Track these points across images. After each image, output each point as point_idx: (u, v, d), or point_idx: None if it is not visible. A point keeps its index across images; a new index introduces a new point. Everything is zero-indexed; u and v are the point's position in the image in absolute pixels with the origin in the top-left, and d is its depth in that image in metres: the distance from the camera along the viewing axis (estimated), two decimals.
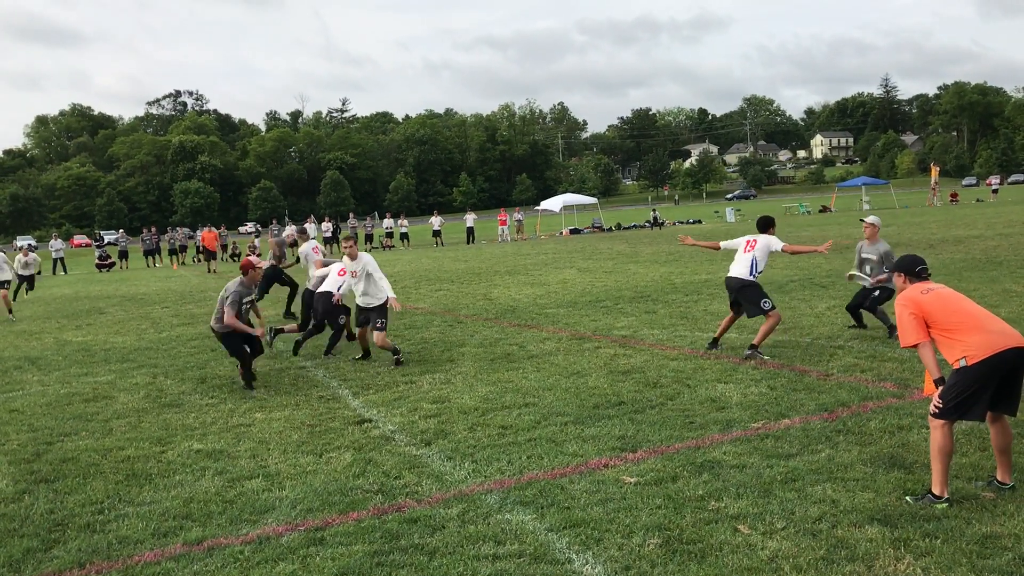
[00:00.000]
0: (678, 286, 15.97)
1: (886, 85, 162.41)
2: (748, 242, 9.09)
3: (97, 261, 38.40)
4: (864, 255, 10.14)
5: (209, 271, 31.79)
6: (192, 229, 69.97)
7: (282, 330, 11.28)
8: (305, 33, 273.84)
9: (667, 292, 15.10)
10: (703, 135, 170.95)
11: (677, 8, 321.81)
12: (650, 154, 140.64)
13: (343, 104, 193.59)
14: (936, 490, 4.67)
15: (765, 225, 9.15)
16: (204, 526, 5.06)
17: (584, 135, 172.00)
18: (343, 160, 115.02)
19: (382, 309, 9.73)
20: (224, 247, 41.02)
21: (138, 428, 7.58)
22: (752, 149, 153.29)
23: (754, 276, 8.94)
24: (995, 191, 62.69)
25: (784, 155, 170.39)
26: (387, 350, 9.81)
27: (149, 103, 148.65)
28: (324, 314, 10.56)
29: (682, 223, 50.29)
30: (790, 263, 17.89)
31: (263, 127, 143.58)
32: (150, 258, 39.16)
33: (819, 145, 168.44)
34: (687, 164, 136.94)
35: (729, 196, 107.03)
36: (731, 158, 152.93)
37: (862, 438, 5.91)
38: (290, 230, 43.73)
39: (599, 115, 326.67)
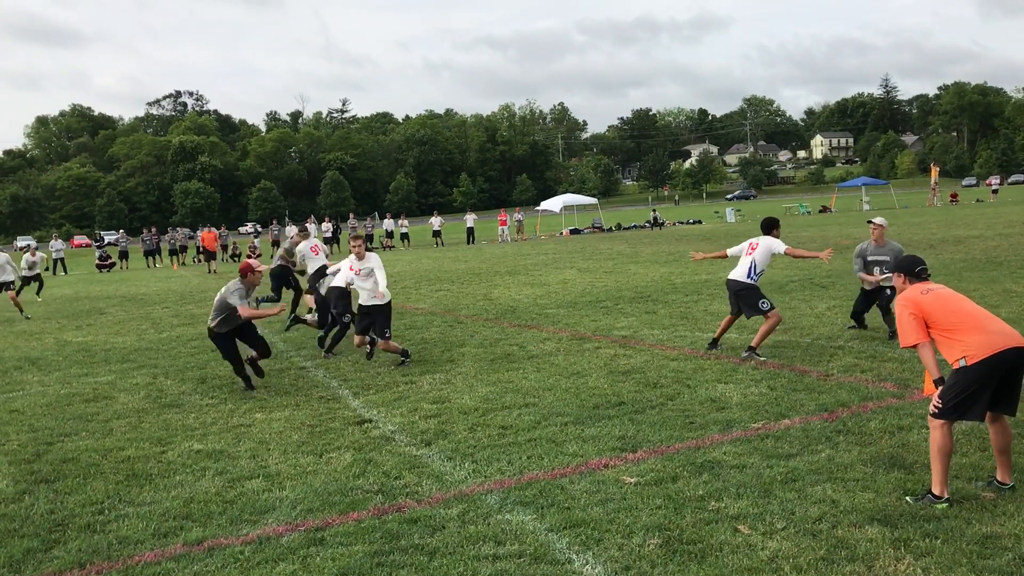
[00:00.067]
0: (678, 286, 15.97)
1: (886, 85, 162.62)
2: (751, 245, 9.10)
3: (97, 261, 38.43)
4: (872, 257, 9.84)
5: (209, 271, 31.80)
6: (192, 229, 70.00)
7: (304, 320, 11.54)
8: (305, 33, 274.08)
9: (667, 292, 15.10)
10: (703, 135, 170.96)
11: (677, 8, 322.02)
12: (650, 154, 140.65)
13: (343, 104, 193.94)
14: (936, 490, 4.67)
15: (769, 227, 9.13)
16: (204, 526, 5.06)
17: (584, 135, 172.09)
18: (343, 160, 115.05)
19: (386, 312, 9.69)
20: (224, 247, 41.04)
21: (138, 428, 7.58)
22: (752, 149, 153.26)
23: (752, 279, 8.95)
24: (995, 191, 62.72)
25: (784, 155, 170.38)
26: (395, 353, 9.83)
27: (149, 103, 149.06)
28: (342, 308, 10.67)
29: (682, 223, 50.30)
30: (790, 263, 17.89)
31: (263, 127, 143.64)
32: (150, 258, 39.18)
33: (819, 145, 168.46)
34: (687, 164, 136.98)
35: (729, 196, 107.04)
36: (731, 158, 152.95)
37: (862, 438, 5.91)
38: (292, 231, 43.80)
39: (599, 115, 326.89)
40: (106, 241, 46.51)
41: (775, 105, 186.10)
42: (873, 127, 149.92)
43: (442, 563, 4.33)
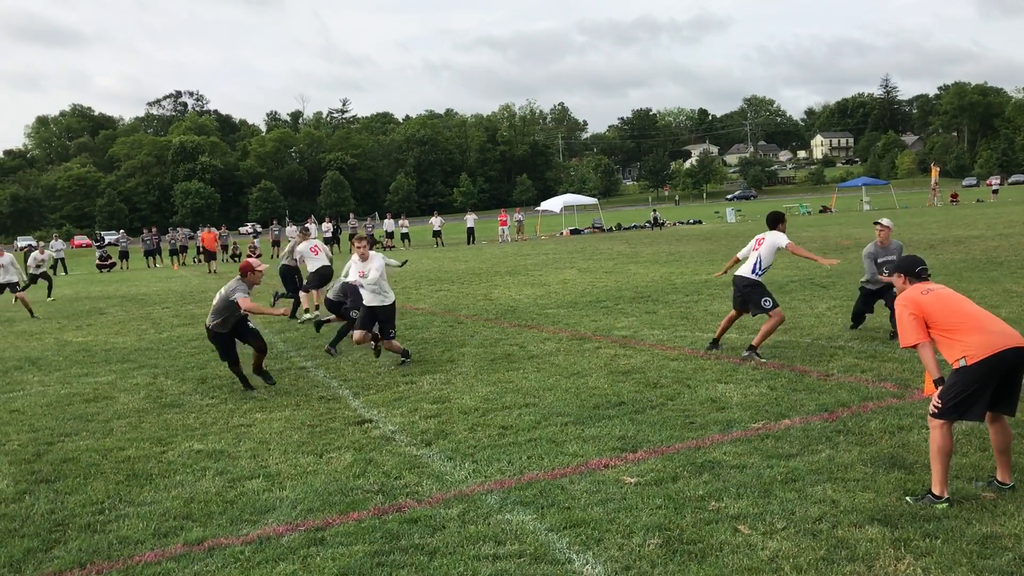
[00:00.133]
0: (678, 286, 15.98)
1: (886, 85, 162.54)
2: (757, 240, 9.11)
3: (98, 261, 38.45)
4: (882, 259, 9.66)
5: (210, 272, 31.80)
6: (192, 229, 70.04)
7: (328, 321, 11.63)
8: (305, 33, 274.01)
9: (667, 292, 15.11)
10: (703, 135, 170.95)
11: (677, 8, 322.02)
12: (650, 154, 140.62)
13: (343, 104, 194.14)
14: (936, 490, 4.67)
15: (774, 221, 9.14)
16: (204, 526, 5.06)
17: (584, 135, 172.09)
18: (343, 160, 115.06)
19: (390, 312, 9.68)
20: (224, 247, 41.05)
21: (139, 428, 7.58)
22: (752, 149, 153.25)
23: (757, 275, 8.94)
24: (995, 191, 62.69)
25: (784, 155, 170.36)
26: (396, 352, 9.84)
27: (149, 104, 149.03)
28: (352, 303, 10.70)
29: (682, 223, 50.29)
30: (791, 263, 17.89)
31: (263, 127, 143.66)
32: (151, 258, 39.19)
33: (819, 145, 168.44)
34: (687, 164, 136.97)
35: (729, 196, 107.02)
36: (731, 158, 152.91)
37: (862, 438, 5.91)
38: (292, 231, 43.75)
39: (599, 115, 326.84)
40: (106, 241, 46.55)
41: (775, 105, 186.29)
42: (873, 127, 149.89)
43: (442, 563, 4.33)
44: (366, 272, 9.59)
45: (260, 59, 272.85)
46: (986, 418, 4.76)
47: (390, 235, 43.46)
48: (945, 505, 4.61)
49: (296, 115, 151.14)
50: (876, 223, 10.05)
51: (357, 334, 9.74)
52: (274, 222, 52.89)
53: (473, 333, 11.80)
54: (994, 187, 67.00)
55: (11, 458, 6.81)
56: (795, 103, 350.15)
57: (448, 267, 25.44)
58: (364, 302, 9.76)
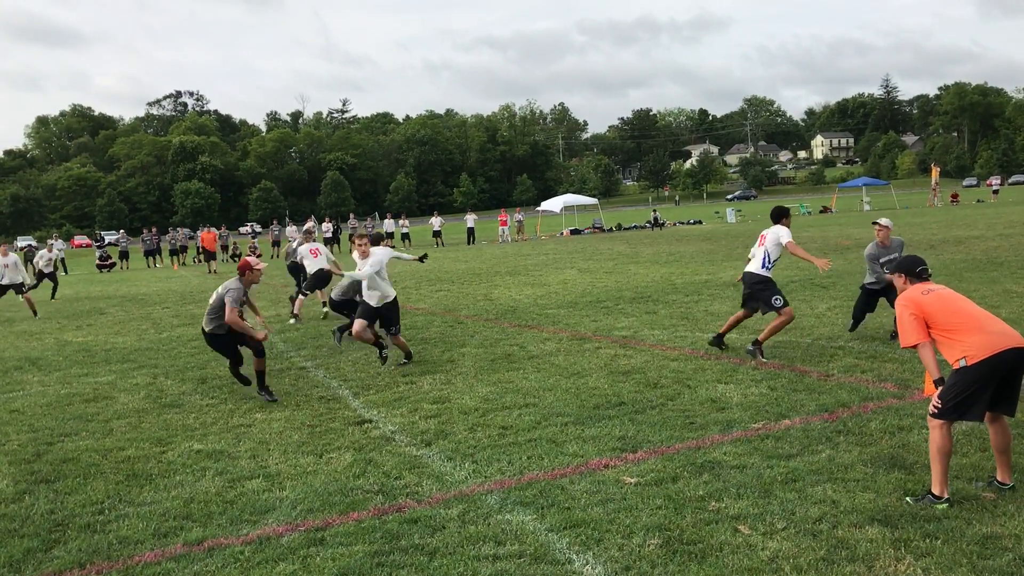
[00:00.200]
0: (679, 287, 15.98)
1: (886, 86, 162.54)
2: (762, 236, 9.11)
3: (98, 261, 38.45)
4: (884, 259, 9.62)
5: (209, 272, 31.81)
6: (193, 229, 70.05)
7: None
8: (305, 33, 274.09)
9: (668, 293, 15.10)
10: (703, 136, 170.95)
11: (677, 8, 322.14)
12: (650, 155, 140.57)
13: (343, 104, 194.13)
14: (936, 490, 4.67)
15: (778, 216, 9.12)
16: (204, 526, 5.06)
17: (584, 136, 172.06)
18: (343, 161, 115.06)
19: (394, 309, 9.66)
20: (224, 248, 41.06)
21: (138, 428, 7.58)
22: (752, 150, 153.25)
23: (767, 269, 8.90)
24: (996, 192, 62.70)
25: (785, 156, 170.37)
26: (401, 350, 9.85)
27: (149, 104, 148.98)
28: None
29: (682, 223, 50.29)
30: (791, 263, 17.88)
31: (263, 127, 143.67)
32: (151, 258, 39.19)
33: (820, 146, 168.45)
34: (688, 165, 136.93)
35: (730, 197, 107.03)
36: (732, 159, 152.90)
37: (862, 439, 5.91)
38: (292, 231, 43.77)
39: (599, 115, 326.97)
40: (106, 241, 46.59)
41: (775, 105, 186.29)
42: (873, 127, 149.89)
43: (442, 563, 4.33)
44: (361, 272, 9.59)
45: (260, 59, 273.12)
46: (986, 418, 4.76)
47: (390, 235, 43.44)
48: (945, 505, 4.60)
49: (296, 115, 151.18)
50: (875, 223, 10.01)
51: (356, 325, 9.58)
52: (274, 222, 52.90)
53: (473, 333, 11.80)
54: (994, 187, 67.00)
55: (11, 458, 6.81)
56: (795, 103, 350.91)
57: (448, 267, 25.44)
58: (364, 299, 9.74)
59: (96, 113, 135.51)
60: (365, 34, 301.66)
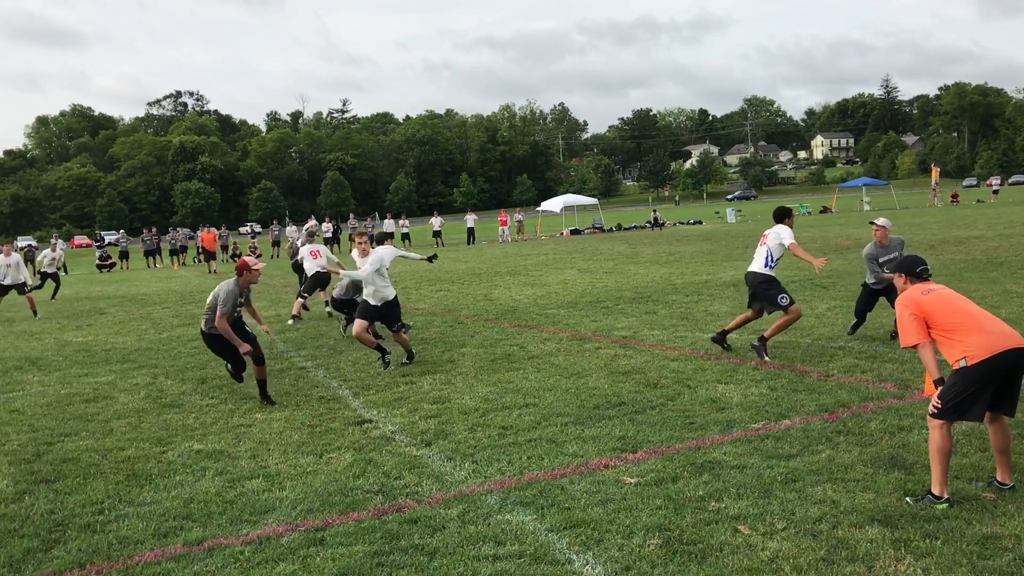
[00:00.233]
0: (678, 287, 15.98)
1: (886, 86, 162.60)
2: (764, 236, 9.09)
3: (98, 261, 38.46)
4: (883, 259, 9.49)
5: (210, 272, 31.81)
6: (193, 230, 70.05)
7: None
8: (305, 34, 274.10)
9: (667, 293, 15.10)
10: (703, 136, 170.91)
11: (677, 8, 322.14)
12: (650, 155, 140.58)
13: (343, 105, 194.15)
14: (936, 490, 4.67)
15: (780, 216, 9.10)
16: (204, 526, 5.06)
17: (584, 136, 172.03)
18: (344, 161, 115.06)
19: (394, 307, 9.61)
20: (225, 248, 41.07)
21: (138, 428, 7.58)
22: (753, 150, 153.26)
23: (769, 268, 8.88)
24: (996, 192, 62.70)
25: (785, 156, 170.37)
26: (404, 348, 9.80)
27: (149, 104, 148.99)
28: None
29: (682, 224, 50.29)
30: (792, 263, 17.88)
31: (264, 128, 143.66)
32: (151, 258, 39.21)
33: (820, 146, 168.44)
34: (688, 165, 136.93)
35: (730, 197, 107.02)
36: (732, 159, 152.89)
37: (862, 439, 5.91)
38: (292, 231, 43.77)
39: (599, 116, 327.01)
40: (106, 241, 46.59)
41: (775, 105, 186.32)
42: (874, 127, 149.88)
43: (442, 563, 4.33)
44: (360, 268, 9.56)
45: (260, 59, 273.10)
46: (985, 418, 4.76)
47: (390, 235, 43.30)
48: (945, 505, 4.60)
49: (296, 115, 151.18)
50: (872, 223, 9.91)
51: (356, 326, 9.48)
52: (274, 222, 52.90)
53: (473, 333, 11.80)
54: (994, 187, 67.00)
55: (11, 458, 6.81)
56: (795, 103, 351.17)
57: (448, 267, 25.44)
58: (365, 298, 9.66)
59: (96, 113, 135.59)
60: (365, 34, 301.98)
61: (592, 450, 6.05)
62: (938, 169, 61.30)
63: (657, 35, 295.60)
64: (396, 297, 9.74)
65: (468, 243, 41.28)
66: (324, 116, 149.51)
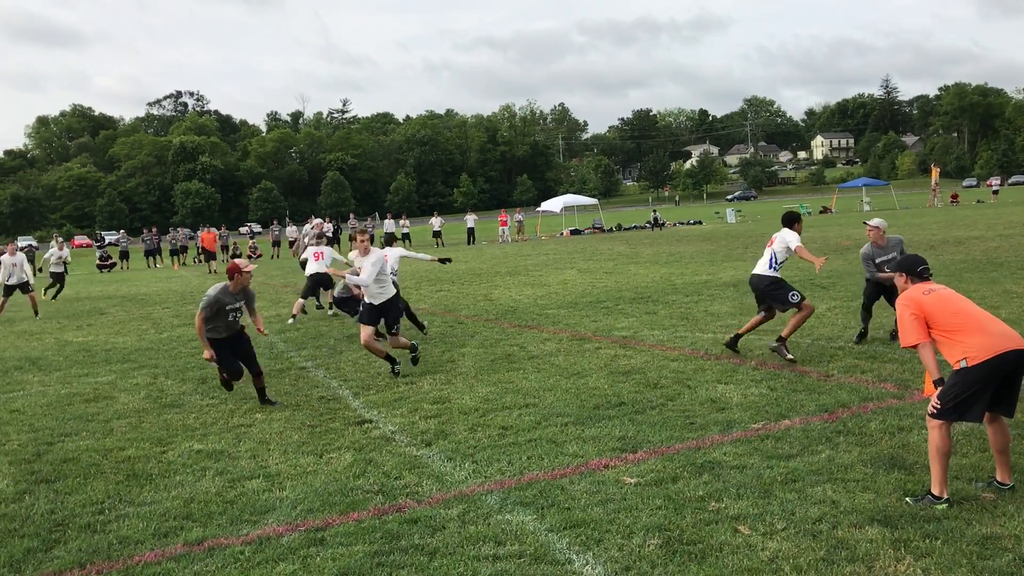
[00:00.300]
0: (678, 287, 15.98)
1: (886, 86, 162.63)
2: (771, 239, 9.06)
3: (98, 262, 38.47)
4: (880, 260, 9.35)
5: (210, 272, 31.81)
6: (193, 230, 70.04)
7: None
8: (305, 34, 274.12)
9: (667, 293, 15.11)
10: (704, 136, 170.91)
11: (677, 8, 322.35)
12: (651, 155, 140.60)
13: (344, 105, 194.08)
14: (935, 491, 4.67)
15: (788, 221, 9.05)
16: (204, 526, 5.06)
17: (585, 136, 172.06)
18: (344, 161, 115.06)
19: (396, 306, 9.31)
20: (225, 248, 41.06)
21: (139, 428, 7.58)
22: (753, 150, 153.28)
23: (774, 270, 8.85)
24: (995, 192, 62.70)
25: (785, 156, 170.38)
26: (403, 349, 9.40)
27: (150, 104, 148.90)
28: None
29: (682, 224, 50.29)
30: (792, 263, 17.89)
31: (264, 128, 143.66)
32: (151, 258, 39.21)
33: (820, 146, 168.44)
34: (688, 165, 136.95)
35: (730, 197, 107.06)
36: (732, 159, 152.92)
37: (862, 439, 5.91)
38: (292, 231, 43.68)
39: (599, 116, 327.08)
40: (107, 241, 46.63)
41: (775, 106, 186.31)
42: (874, 128, 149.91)
43: (442, 563, 4.33)
44: (361, 269, 9.13)
45: (260, 59, 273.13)
46: (984, 419, 4.76)
47: (391, 235, 43.39)
48: (945, 506, 4.61)
49: (296, 115, 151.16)
50: (866, 223, 9.78)
51: (364, 334, 9.11)
52: (274, 222, 52.90)
53: (473, 333, 11.80)
54: (994, 188, 66.99)
55: (11, 458, 6.81)
56: (795, 104, 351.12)
57: (448, 267, 25.43)
58: (365, 299, 9.39)
59: (96, 113, 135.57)
60: (365, 34, 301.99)
61: (592, 450, 6.05)
62: (938, 169, 61.29)
63: (657, 35, 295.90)
64: (397, 295, 9.43)
65: (468, 243, 41.28)
66: (324, 116, 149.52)
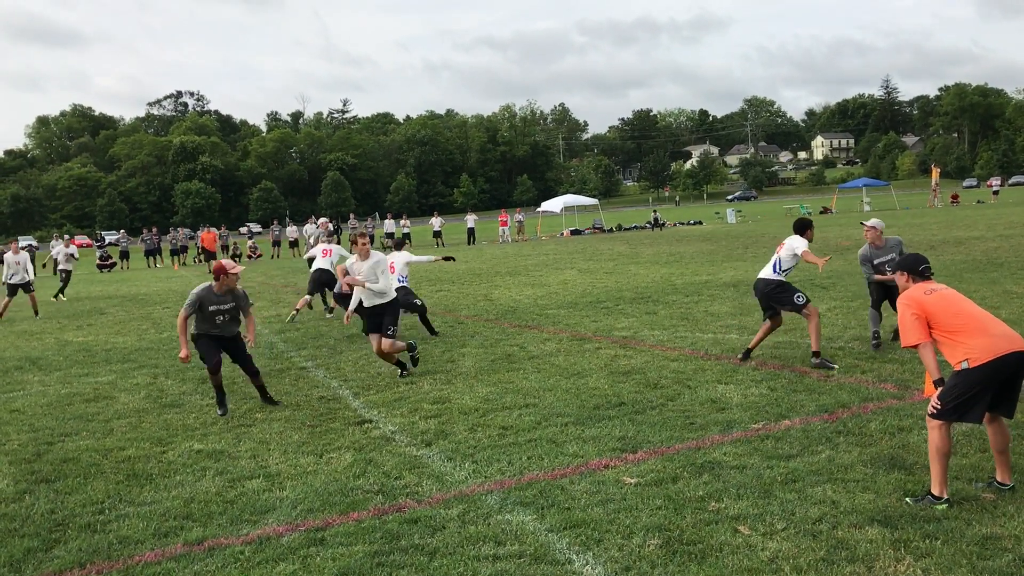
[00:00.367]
0: (679, 287, 15.98)
1: (887, 86, 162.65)
2: (780, 244, 8.98)
3: (98, 261, 38.45)
4: (878, 261, 9.28)
5: (210, 272, 31.79)
6: (193, 230, 70.05)
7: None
8: (305, 34, 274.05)
9: (668, 293, 15.11)
10: (704, 136, 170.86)
11: (677, 8, 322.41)
12: (651, 155, 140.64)
13: (344, 105, 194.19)
14: (935, 491, 4.67)
15: (800, 228, 8.92)
16: (205, 526, 5.06)
17: (585, 136, 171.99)
18: (344, 161, 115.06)
19: (393, 309, 9.13)
20: (225, 248, 41.08)
21: (139, 428, 7.59)
22: (753, 150, 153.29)
23: (778, 274, 8.78)
24: (996, 192, 62.69)
25: (785, 156, 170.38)
26: (400, 352, 9.16)
27: (150, 104, 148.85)
28: (405, 304, 10.91)
29: (683, 224, 50.29)
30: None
31: (264, 128, 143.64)
32: (151, 258, 39.21)
33: (820, 146, 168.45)
34: (688, 165, 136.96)
35: (730, 197, 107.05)
36: (732, 159, 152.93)
37: (862, 439, 5.91)
38: (291, 231, 43.69)
39: (600, 116, 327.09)
40: (107, 241, 46.61)
41: (776, 106, 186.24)
42: (874, 128, 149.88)
43: (442, 563, 4.33)
44: (360, 274, 9.00)
45: (260, 59, 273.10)
46: (984, 419, 4.76)
47: (391, 236, 43.43)
48: (945, 506, 4.60)
49: (296, 115, 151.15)
50: (863, 224, 9.70)
51: (374, 343, 9.00)
52: (274, 222, 52.92)
53: (473, 333, 11.80)
54: (994, 188, 66.96)
55: (11, 458, 6.81)
56: (795, 104, 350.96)
57: (448, 267, 25.44)
58: (364, 304, 9.27)
59: (96, 113, 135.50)
60: (365, 34, 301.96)
61: (592, 450, 6.05)
62: (938, 170, 61.30)
63: (657, 35, 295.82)
64: (395, 300, 9.30)
65: (468, 243, 41.29)
66: (324, 116, 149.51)
